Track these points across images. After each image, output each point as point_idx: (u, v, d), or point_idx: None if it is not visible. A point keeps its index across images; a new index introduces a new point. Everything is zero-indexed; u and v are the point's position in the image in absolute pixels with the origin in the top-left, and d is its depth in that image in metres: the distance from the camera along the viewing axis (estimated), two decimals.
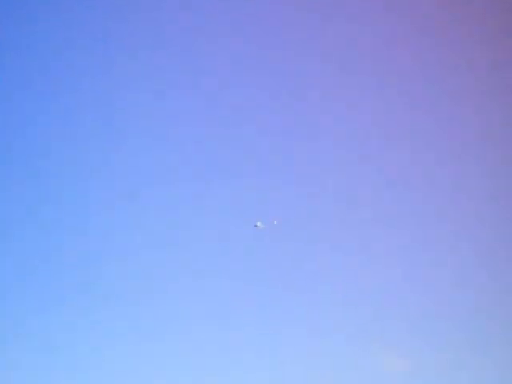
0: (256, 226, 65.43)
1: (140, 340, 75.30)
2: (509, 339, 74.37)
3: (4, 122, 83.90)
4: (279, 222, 68.15)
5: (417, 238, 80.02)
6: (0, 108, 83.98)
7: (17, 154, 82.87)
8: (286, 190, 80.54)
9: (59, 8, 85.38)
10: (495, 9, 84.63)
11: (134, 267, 78.52)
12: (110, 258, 79.20)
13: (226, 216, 78.88)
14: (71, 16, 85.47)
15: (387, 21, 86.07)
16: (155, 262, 78.66)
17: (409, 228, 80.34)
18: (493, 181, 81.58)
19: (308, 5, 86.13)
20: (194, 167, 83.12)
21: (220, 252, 78.58)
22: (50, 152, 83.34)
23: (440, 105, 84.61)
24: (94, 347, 74.94)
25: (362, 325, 75.67)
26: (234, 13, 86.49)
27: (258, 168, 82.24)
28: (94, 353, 74.74)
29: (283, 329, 75.45)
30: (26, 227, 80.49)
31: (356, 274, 78.33)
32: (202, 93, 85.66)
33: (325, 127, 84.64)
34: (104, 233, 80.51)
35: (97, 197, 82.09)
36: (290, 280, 77.41)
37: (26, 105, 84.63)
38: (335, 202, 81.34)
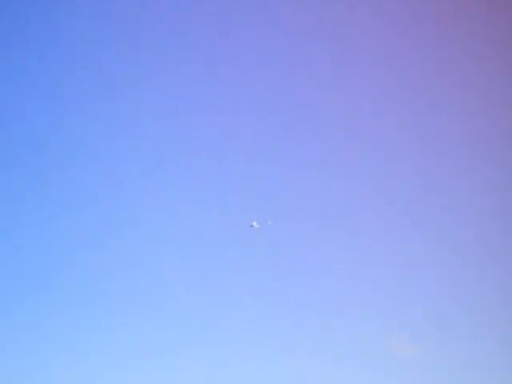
0: (252, 225, 65.66)
1: (141, 342, 75.69)
2: None
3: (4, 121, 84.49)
4: (273, 222, 68.43)
5: (431, 220, 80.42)
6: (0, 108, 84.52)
7: (17, 154, 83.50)
8: (283, 188, 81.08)
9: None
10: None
11: (131, 267, 79.01)
12: (108, 258, 79.70)
13: (221, 215, 79.51)
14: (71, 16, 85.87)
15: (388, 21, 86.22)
16: (154, 262, 79.23)
17: (422, 213, 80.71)
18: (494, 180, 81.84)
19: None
20: (192, 166, 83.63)
21: (218, 251, 79.17)
22: (50, 151, 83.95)
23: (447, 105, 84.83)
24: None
25: (373, 311, 76.15)
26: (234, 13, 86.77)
27: (254, 167, 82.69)
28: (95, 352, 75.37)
29: (293, 318, 76.11)
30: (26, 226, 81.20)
31: (367, 258, 78.81)
32: (202, 93, 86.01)
33: (323, 124, 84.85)
34: (103, 233, 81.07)
35: (93, 195, 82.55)
36: (300, 267, 78.10)
37: (26, 105, 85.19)
38: (335, 201, 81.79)
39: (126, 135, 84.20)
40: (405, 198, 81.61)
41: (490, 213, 79.88)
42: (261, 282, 77.57)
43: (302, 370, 73.04)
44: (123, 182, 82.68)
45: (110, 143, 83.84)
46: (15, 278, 78.33)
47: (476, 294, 76.65)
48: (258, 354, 74.49)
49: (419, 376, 72.49)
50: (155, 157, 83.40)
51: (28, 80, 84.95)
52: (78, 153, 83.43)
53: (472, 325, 75.11)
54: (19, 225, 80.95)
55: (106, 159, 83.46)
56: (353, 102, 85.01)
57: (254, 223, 65.08)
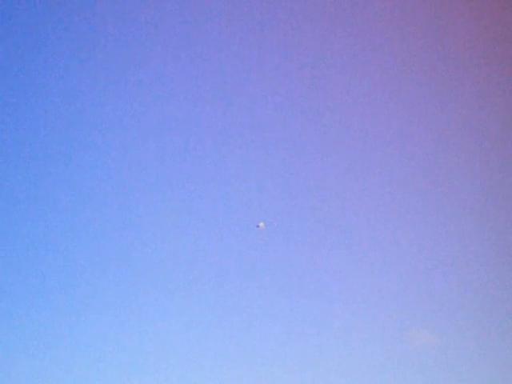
0: (258, 226, 65.53)
1: (142, 345, 75.78)
2: None
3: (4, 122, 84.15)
4: (280, 223, 68.62)
5: (446, 213, 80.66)
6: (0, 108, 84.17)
7: (16, 154, 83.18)
8: (288, 191, 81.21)
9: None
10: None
11: (133, 268, 78.88)
12: (110, 262, 79.67)
13: (228, 216, 79.53)
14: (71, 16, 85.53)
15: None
16: (156, 263, 79.07)
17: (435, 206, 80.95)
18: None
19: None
20: (195, 166, 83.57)
21: (222, 252, 79.12)
22: (50, 152, 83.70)
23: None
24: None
25: (391, 302, 76.41)
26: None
27: (260, 169, 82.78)
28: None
29: (310, 311, 76.39)
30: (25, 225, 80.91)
31: (386, 251, 79.22)
32: (202, 95, 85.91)
33: (327, 126, 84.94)
34: (103, 236, 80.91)
35: (94, 197, 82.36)
36: (319, 264, 78.48)
37: (26, 105, 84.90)
38: (337, 202, 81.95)
39: (129, 130, 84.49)
40: (413, 192, 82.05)
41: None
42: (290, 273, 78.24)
43: (325, 366, 73.61)
44: (129, 179, 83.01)
45: (112, 144, 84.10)
46: (15, 278, 78.44)
47: (495, 286, 76.92)
48: (275, 352, 74.96)
49: (437, 369, 72.88)
50: (160, 157, 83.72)
51: (28, 80, 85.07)
52: (78, 153, 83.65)
53: (491, 315, 75.31)
54: (19, 225, 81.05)
55: (109, 160, 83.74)
56: (352, 101, 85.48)
57: (261, 224, 64.98)
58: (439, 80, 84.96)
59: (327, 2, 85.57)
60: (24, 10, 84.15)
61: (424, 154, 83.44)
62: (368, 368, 72.86)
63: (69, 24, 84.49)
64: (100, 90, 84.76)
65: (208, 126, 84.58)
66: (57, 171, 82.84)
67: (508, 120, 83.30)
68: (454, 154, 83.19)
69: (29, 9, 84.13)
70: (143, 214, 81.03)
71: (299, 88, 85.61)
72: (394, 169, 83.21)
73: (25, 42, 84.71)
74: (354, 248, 79.41)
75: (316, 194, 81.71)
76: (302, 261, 78.83)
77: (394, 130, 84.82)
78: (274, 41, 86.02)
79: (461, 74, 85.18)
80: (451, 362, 73.13)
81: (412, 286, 77.22)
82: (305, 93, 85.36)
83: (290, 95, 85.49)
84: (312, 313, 76.34)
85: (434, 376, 72.07)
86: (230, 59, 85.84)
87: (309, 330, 75.46)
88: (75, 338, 75.60)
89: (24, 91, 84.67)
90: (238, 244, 78.70)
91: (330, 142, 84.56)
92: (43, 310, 77.06)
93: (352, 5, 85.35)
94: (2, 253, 78.97)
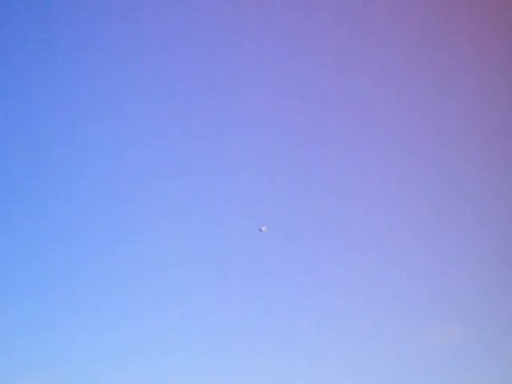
0: (261, 230, 65.43)
1: (143, 346, 75.81)
2: None
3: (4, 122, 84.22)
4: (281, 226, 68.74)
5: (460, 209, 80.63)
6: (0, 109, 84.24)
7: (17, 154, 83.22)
8: (290, 194, 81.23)
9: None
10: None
11: (134, 270, 78.95)
12: (110, 261, 79.61)
13: (229, 219, 79.55)
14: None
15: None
16: (156, 263, 79.06)
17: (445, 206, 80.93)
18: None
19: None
20: (197, 168, 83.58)
21: (223, 255, 79.15)
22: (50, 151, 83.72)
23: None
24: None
25: (411, 298, 76.25)
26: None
27: (262, 170, 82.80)
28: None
29: (329, 306, 76.56)
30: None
31: (408, 244, 79.10)
32: (203, 95, 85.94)
33: (329, 128, 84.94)
34: (103, 235, 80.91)
35: (95, 195, 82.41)
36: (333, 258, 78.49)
37: (26, 105, 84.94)
38: (339, 203, 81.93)
39: (129, 130, 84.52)
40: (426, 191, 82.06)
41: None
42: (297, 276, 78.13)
43: (346, 366, 73.82)
44: (129, 179, 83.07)
45: (112, 143, 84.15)
46: (15, 278, 78.35)
47: None
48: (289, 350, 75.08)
49: (462, 367, 72.68)
50: (161, 157, 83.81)
51: (28, 79, 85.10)
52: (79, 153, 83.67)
53: None
54: (19, 225, 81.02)
55: (110, 160, 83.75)
56: (353, 102, 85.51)
57: (264, 228, 64.87)
58: (439, 80, 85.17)
59: (327, 2, 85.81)
60: (24, 10, 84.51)
61: (425, 154, 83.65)
62: (390, 368, 73.07)
63: (67, 21, 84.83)
64: (100, 89, 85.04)
65: (208, 126, 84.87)
66: (57, 169, 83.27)
67: (508, 120, 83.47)
68: (455, 153, 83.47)
69: (29, 9, 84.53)
70: (143, 216, 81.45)
71: (299, 88, 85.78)
72: (395, 169, 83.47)
73: (25, 42, 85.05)
74: (371, 247, 79.49)
75: (319, 195, 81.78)
76: (319, 259, 78.84)
77: (394, 129, 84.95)
78: (274, 41, 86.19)
79: (461, 73, 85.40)
80: (475, 359, 73.02)
81: (431, 281, 77.27)
82: (305, 93, 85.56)
83: (290, 95, 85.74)
84: (332, 313, 76.65)
85: (456, 375, 72.10)
86: (230, 59, 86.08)
87: (328, 331, 75.75)
88: (75, 338, 76.14)
89: (24, 91, 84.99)
90: (238, 244, 78.79)
91: (330, 141, 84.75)
92: (43, 310, 77.50)
93: (352, 5, 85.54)
94: (2, 253, 79.36)
